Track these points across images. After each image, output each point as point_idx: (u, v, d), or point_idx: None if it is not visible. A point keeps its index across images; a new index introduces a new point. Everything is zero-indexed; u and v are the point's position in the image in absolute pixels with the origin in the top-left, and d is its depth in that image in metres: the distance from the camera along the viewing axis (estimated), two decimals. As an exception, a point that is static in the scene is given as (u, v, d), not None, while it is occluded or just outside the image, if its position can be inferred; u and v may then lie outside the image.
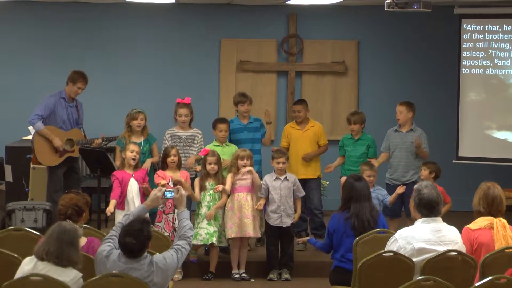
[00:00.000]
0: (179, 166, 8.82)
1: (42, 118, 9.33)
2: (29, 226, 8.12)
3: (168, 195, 6.08)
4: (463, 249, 6.09)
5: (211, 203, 8.74)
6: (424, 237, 6.01)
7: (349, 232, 7.02)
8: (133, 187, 8.60)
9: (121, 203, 8.60)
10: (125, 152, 8.67)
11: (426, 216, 6.05)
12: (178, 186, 5.93)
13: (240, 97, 9.52)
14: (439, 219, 6.10)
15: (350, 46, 12.12)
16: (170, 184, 8.65)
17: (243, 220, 8.69)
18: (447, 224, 6.15)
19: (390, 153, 9.51)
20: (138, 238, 5.41)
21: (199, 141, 9.25)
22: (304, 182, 9.42)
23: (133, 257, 5.43)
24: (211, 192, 8.76)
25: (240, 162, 8.75)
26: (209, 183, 8.76)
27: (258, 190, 8.80)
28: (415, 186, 6.25)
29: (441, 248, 5.99)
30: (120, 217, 8.50)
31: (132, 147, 8.68)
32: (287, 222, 8.82)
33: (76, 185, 9.43)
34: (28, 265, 5.35)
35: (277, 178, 8.82)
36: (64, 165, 9.47)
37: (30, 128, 10.01)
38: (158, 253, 5.74)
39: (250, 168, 8.75)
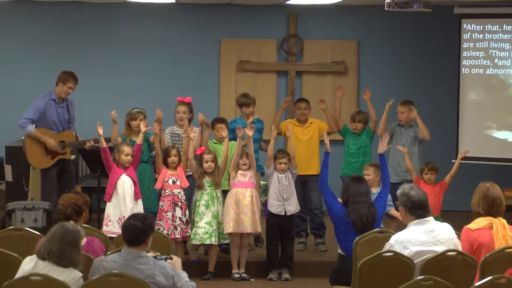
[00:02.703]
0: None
1: (33, 121, 9.33)
2: (29, 226, 8.13)
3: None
4: (459, 244, 6.12)
5: (209, 201, 8.73)
6: (420, 239, 6.02)
7: (351, 230, 7.18)
8: (125, 182, 8.56)
9: (109, 195, 8.57)
10: (119, 154, 8.59)
11: (421, 217, 6.06)
12: (173, 257, 5.83)
13: (245, 99, 9.48)
14: (431, 218, 6.11)
15: (350, 46, 12.12)
16: (170, 182, 8.68)
17: (240, 216, 8.68)
18: (439, 222, 6.18)
19: (391, 146, 9.55)
20: (142, 222, 5.44)
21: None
22: (304, 180, 9.42)
23: (132, 244, 5.42)
24: (208, 190, 8.76)
25: (239, 161, 8.75)
26: (206, 181, 8.75)
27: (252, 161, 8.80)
28: (399, 192, 6.21)
29: (438, 248, 6.00)
30: (110, 210, 8.49)
31: (127, 150, 8.60)
32: (290, 210, 8.81)
33: (70, 185, 9.43)
34: (28, 265, 5.35)
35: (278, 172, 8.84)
36: (57, 166, 9.47)
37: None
38: (159, 253, 5.77)
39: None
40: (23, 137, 9.74)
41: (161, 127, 8.97)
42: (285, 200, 8.78)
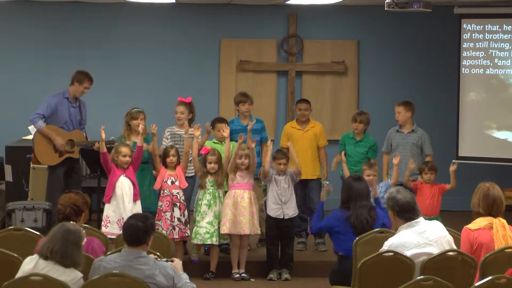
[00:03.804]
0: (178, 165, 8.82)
1: (44, 117, 9.35)
2: (29, 226, 8.11)
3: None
4: (452, 241, 6.14)
5: (211, 201, 8.73)
6: (413, 242, 6.02)
7: (349, 231, 7.17)
8: (124, 184, 8.54)
9: (109, 197, 8.55)
10: (117, 155, 8.57)
11: (410, 220, 6.07)
12: (174, 259, 5.84)
13: (241, 97, 9.50)
14: (421, 219, 6.12)
15: (350, 46, 12.11)
16: (169, 182, 8.69)
17: (238, 217, 8.67)
18: (428, 221, 6.20)
19: (391, 153, 9.49)
20: (143, 222, 5.44)
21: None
22: (304, 182, 9.42)
23: (133, 244, 5.42)
24: (210, 190, 8.75)
25: (238, 161, 8.73)
26: (209, 180, 8.75)
27: (252, 170, 8.76)
28: (387, 196, 6.23)
29: (432, 248, 6.02)
30: (109, 211, 8.49)
31: (125, 151, 8.56)
32: (289, 214, 8.81)
33: (76, 186, 9.41)
34: (28, 265, 5.35)
35: (277, 174, 8.82)
36: (64, 165, 9.47)
37: (31, 128, 10.01)
38: (159, 254, 5.76)
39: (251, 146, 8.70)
40: (24, 137, 9.74)
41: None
42: (283, 204, 8.78)
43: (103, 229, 8.43)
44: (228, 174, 8.82)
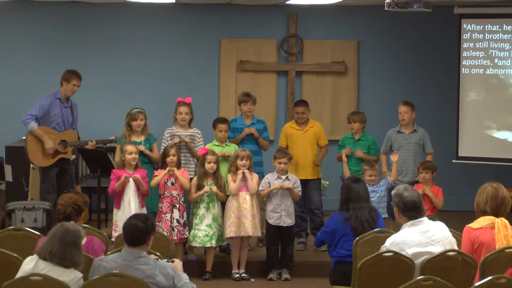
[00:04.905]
0: (178, 165, 8.81)
1: (36, 118, 9.33)
2: (29, 226, 8.12)
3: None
4: (454, 242, 6.13)
5: (209, 204, 8.73)
6: (415, 240, 6.03)
7: (348, 232, 7.12)
8: (131, 188, 8.57)
9: (118, 202, 8.58)
10: (124, 154, 8.61)
11: (413, 218, 6.08)
12: (174, 260, 5.85)
13: (244, 97, 9.54)
14: (425, 218, 6.13)
15: (350, 46, 12.11)
16: (169, 183, 8.68)
17: (241, 219, 8.68)
18: (433, 221, 6.20)
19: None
20: (143, 222, 5.44)
21: (198, 140, 9.25)
22: (304, 182, 9.42)
23: (133, 244, 5.42)
24: (209, 192, 8.74)
25: (239, 162, 8.73)
26: (206, 183, 8.74)
27: (253, 194, 8.79)
28: (393, 192, 6.24)
29: (434, 248, 6.02)
30: (117, 217, 8.51)
31: (130, 148, 8.61)
32: (287, 221, 8.82)
33: (69, 187, 9.39)
34: (28, 265, 5.35)
35: (278, 178, 8.83)
36: (57, 166, 9.46)
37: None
38: (159, 254, 5.76)
39: (244, 172, 8.70)
40: (23, 137, 9.73)
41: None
42: (282, 211, 8.79)
43: (113, 233, 8.48)
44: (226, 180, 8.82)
